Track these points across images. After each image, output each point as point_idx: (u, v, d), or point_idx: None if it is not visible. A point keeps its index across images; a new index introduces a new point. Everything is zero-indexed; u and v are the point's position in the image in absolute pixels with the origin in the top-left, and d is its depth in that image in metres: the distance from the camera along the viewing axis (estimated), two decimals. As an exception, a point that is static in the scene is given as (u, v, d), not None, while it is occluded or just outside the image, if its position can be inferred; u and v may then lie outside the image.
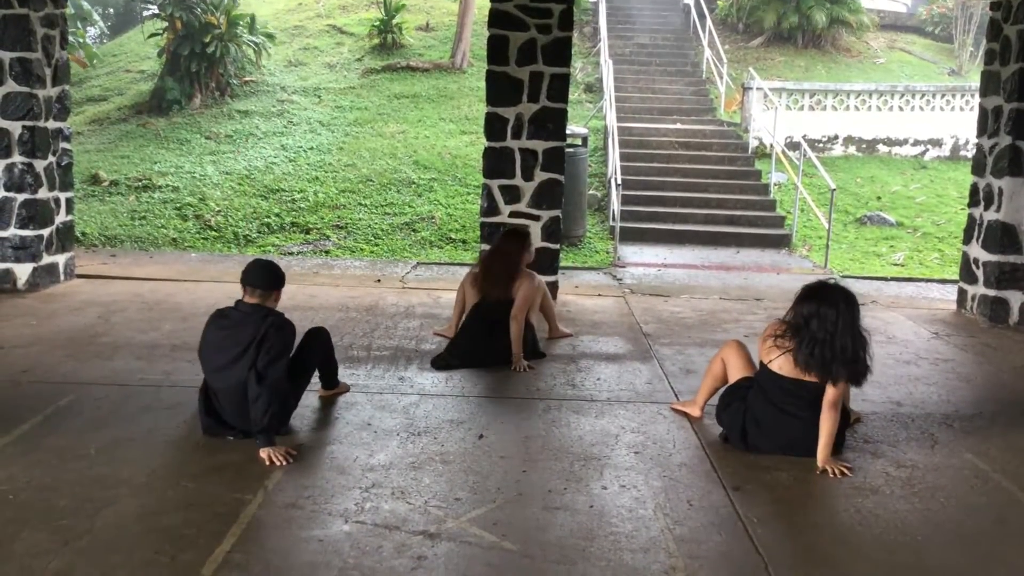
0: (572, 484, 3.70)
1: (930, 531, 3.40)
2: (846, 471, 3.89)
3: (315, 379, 4.77)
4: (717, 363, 4.48)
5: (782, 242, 11.18)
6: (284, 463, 3.78)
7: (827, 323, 3.88)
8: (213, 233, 10.68)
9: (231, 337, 3.98)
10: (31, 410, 4.34)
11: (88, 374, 4.96)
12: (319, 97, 15.83)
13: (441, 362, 5.39)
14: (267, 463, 3.77)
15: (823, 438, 3.94)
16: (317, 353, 4.47)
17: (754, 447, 4.10)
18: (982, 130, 7.50)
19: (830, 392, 3.93)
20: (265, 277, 4.10)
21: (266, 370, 3.86)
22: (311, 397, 4.64)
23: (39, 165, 7.16)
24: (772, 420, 4.05)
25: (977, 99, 14.83)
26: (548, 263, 7.11)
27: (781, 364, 4.01)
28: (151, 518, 3.28)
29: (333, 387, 4.71)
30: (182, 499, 3.45)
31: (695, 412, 4.54)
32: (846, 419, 4.17)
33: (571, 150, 9.76)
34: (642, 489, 3.68)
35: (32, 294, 7.03)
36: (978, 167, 7.51)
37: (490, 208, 7.23)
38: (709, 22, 17.34)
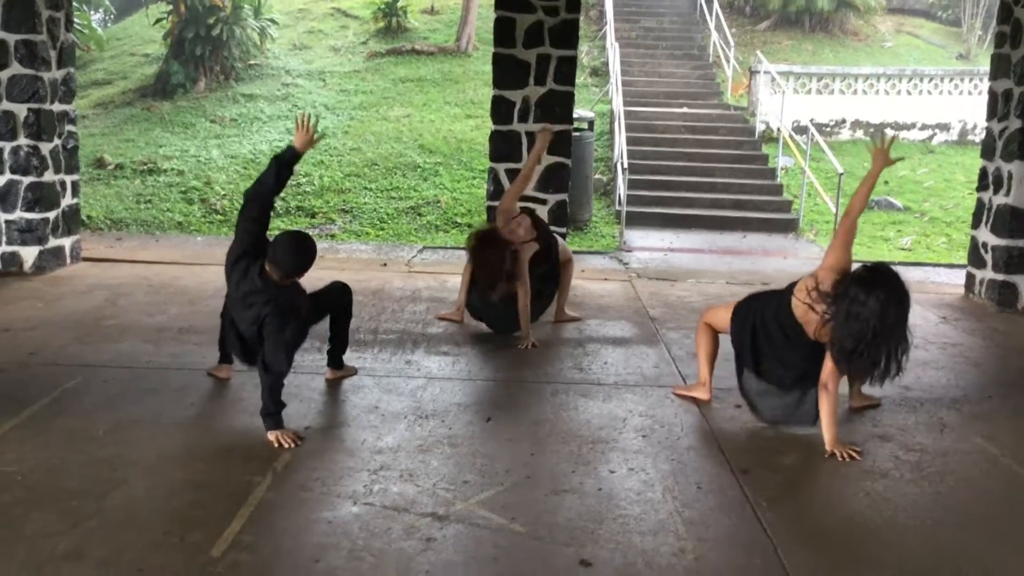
0: (580, 467, 3.70)
1: (940, 514, 3.40)
2: (855, 455, 3.88)
3: (322, 364, 4.78)
4: (701, 332, 4.51)
5: (789, 226, 11.14)
6: (292, 446, 3.78)
7: (872, 318, 3.65)
8: (218, 217, 10.67)
9: (254, 305, 3.99)
10: (39, 392, 4.34)
11: (96, 356, 4.97)
12: (324, 81, 15.79)
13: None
14: (275, 446, 3.77)
15: (825, 419, 3.91)
16: (331, 304, 4.49)
17: (758, 368, 4.14)
18: (992, 114, 7.45)
19: (826, 370, 3.88)
20: (292, 261, 3.94)
21: (271, 359, 3.85)
22: (318, 380, 4.65)
23: (45, 148, 7.14)
24: (776, 336, 4.06)
25: (985, 83, 14.74)
26: (555, 247, 7.09)
27: (798, 305, 3.97)
28: (160, 499, 3.29)
29: (340, 368, 4.70)
30: (191, 481, 3.46)
31: (704, 395, 4.52)
32: None
33: (577, 134, 9.72)
34: (650, 472, 3.67)
35: (38, 277, 7.03)
36: (987, 151, 7.47)
37: (496, 192, 7.21)
38: (716, 5, 17.22)
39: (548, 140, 6.07)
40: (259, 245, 4.08)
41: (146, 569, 2.80)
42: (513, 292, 5.40)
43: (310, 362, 4.89)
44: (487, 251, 5.38)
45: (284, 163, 4.19)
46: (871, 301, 3.66)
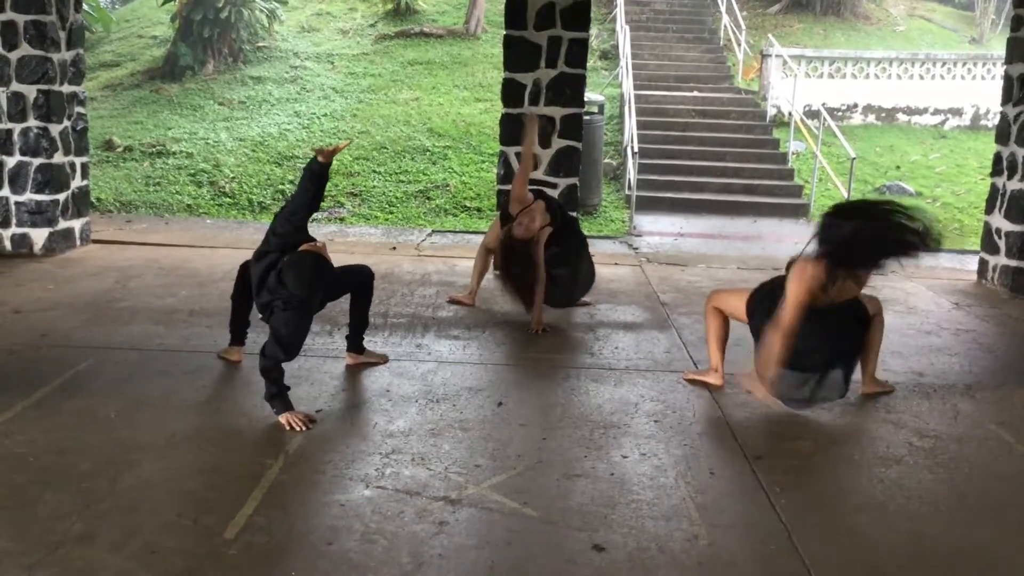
0: (592, 452, 3.69)
1: (955, 502, 3.38)
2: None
3: (333, 347, 4.77)
4: (711, 317, 4.44)
5: (800, 211, 11.07)
6: (304, 428, 3.77)
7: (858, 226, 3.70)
8: (227, 200, 10.65)
9: (270, 293, 4.02)
10: (51, 374, 4.34)
11: (107, 338, 4.97)
12: (332, 63, 15.72)
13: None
14: (287, 428, 3.76)
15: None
16: (352, 285, 4.49)
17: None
18: (1007, 98, 7.37)
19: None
20: (294, 284, 3.89)
21: (270, 348, 3.84)
22: (330, 363, 4.64)
23: (54, 129, 7.13)
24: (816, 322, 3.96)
25: (998, 68, 14.62)
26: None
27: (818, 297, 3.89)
28: (172, 482, 3.29)
29: (361, 351, 4.67)
30: (203, 463, 3.45)
31: (716, 380, 4.49)
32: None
33: (588, 117, 9.66)
34: (663, 457, 3.66)
35: (49, 259, 7.03)
36: (1002, 136, 7.40)
37: (507, 175, 7.17)
38: (727, -12, 17.09)
39: (536, 126, 5.97)
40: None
41: (159, 551, 2.80)
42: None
43: (321, 345, 4.89)
44: (515, 266, 5.36)
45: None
46: (848, 223, 3.72)
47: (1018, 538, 3.13)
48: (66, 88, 7.26)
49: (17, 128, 7.03)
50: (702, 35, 17.32)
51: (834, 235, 3.74)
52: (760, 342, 4.01)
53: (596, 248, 8.46)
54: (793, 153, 12.64)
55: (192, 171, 11.34)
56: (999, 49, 15.37)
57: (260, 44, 16.12)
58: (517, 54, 7.06)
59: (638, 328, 5.68)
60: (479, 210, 10.50)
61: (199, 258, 7.20)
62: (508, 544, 2.93)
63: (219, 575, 2.69)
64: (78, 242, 7.48)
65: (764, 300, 4.15)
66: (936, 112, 15.20)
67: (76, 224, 7.46)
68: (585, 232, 9.31)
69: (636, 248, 8.70)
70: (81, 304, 5.67)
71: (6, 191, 7.11)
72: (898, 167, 13.13)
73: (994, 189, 7.45)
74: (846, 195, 10.37)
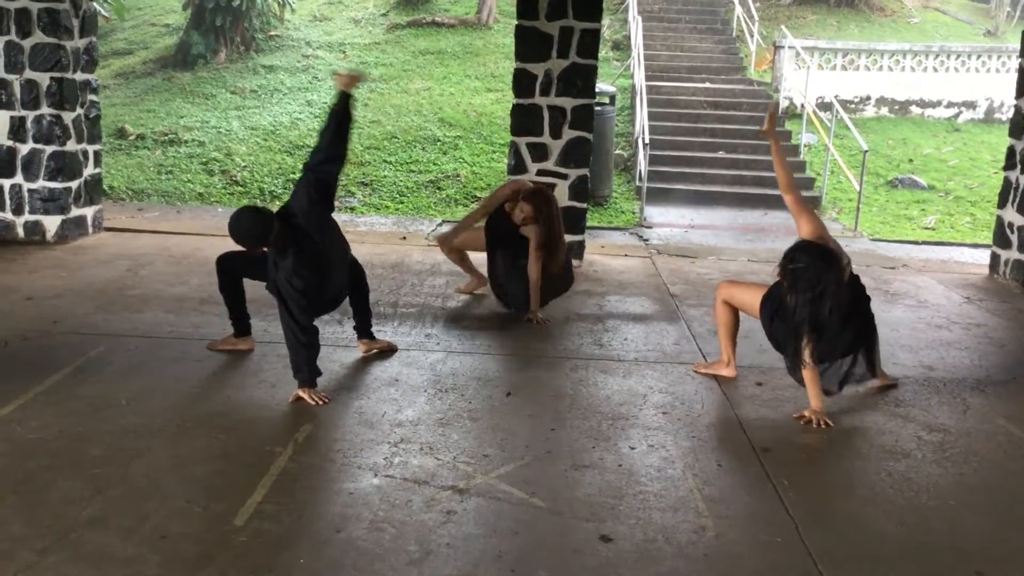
0: (600, 443, 3.69)
1: (963, 496, 3.37)
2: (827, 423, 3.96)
3: (343, 336, 4.79)
4: (722, 310, 4.44)
5: (812, 204, 11.02)
6: (320, 403, 3.94)
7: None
8: (239, 189, 10.68)
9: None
10: (63, 360, 4.38)
11: (118, 326, 5.00)
12: (344, 52, 15.71)
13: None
14: (311, 402, 3.93)
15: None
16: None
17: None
18: (1021, 91, 7.31)
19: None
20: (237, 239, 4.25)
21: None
22: (339, 352, 4.66)
23: (67, 117, 7.15)
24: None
25: (1013, 60, 14.49)
26: (575, 222, 7.05)
27: None
28: (183, 468, 3.31)
29: (371, 338, 4.72)
30: (213, 450, 3.48)
31: (729, 372, 4.49)
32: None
33: (599, 108, 9.63)
34: (671, 449, 3.66)
35: (61, 246, 7.06)
36: (1016, 129, 7.34)
37: (517, 166, 7.16)
38: (740, -22, 16.99)
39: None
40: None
41: (169, 537, 2.83)
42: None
43: (330, 334, 4.90)
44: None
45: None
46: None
47: (1026, 533, 3.13)
48: (79, 76, 7.28)
49: (30, 116, 7.05)
50: (715, 26, 17.23)
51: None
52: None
53: (606, 239, 8.49)
54: (805, 145, 12.58)
55: (204, 160, 11.37)
56: (1014, 42, 15.27)
57: (272, 33, 16.13)
58: (529, 44, 7.03)
59: (647, 320, 5.67)
60: (489, 200, 10.48)
61: (210, 247, 7.20)
62: (516, 534, 2.94)
63: (228, 561, 2.71)
64: (90, 230, 7.51)
65: (772, 317, 4.16)
66: (950, 105, 15.10)
67: (88, 212, 7.49)
68: (595, 223, 9.36)
69: (646, 240, 8.69)
70: (93, 291, 5.70)
71: (19, 178, 7.14)
72: (911, 160, 13.06)
73: (1007, 183, 7.40)
74: (858, 188, 10.33)
